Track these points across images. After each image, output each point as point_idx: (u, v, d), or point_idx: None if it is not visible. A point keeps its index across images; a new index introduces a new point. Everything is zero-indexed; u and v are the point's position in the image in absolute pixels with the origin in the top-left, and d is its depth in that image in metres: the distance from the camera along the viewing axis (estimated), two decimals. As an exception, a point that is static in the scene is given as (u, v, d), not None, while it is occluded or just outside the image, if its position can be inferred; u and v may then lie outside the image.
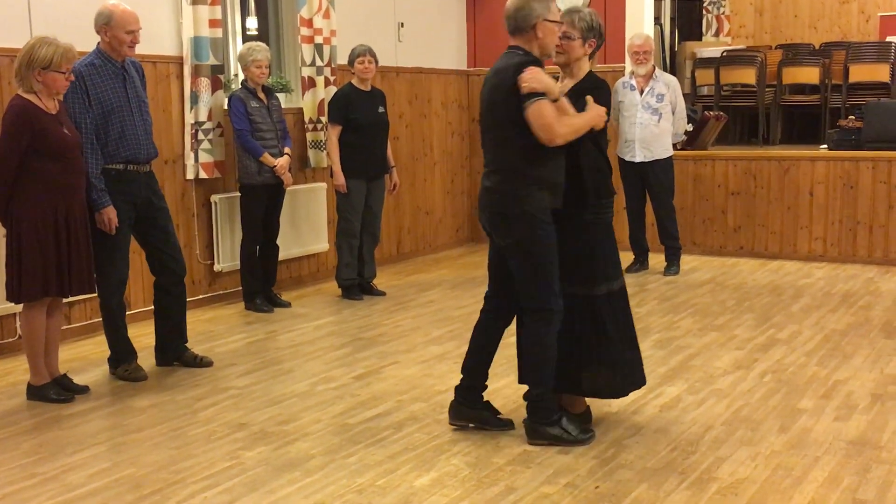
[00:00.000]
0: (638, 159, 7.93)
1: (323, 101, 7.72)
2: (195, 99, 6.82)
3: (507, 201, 4.10)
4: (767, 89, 10.50)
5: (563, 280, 4.16)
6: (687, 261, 8.44)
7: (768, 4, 13.26)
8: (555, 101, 3.99)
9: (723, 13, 12.76)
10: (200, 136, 6.86)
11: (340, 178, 7.10)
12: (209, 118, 6.89)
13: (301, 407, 4.83)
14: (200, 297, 7.11)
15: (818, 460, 4.01)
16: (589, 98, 4.10)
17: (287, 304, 7.11)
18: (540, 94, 3.96)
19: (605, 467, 3.97)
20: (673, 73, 10.91)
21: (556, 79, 4.22)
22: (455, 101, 9.73)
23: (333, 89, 7.59)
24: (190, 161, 6.89)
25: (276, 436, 4.41)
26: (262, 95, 6.80)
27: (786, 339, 5.96)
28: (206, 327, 6.50)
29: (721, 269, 8.29)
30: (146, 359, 5.54)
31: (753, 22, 13.35)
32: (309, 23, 7.70)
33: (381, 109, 7.27)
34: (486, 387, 4.43)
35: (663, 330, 6.23)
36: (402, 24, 8.95)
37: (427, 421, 4.57)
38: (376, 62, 7.21)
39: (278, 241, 7.09)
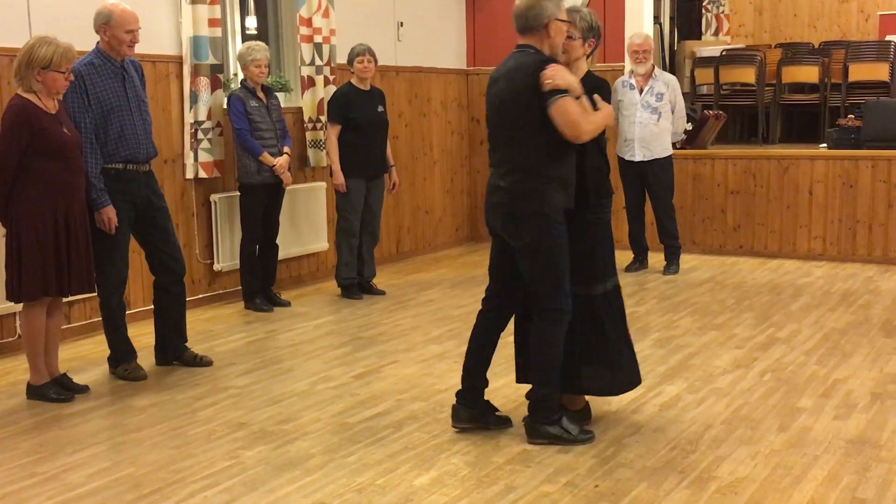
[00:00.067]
0: (637, 158, 7.93)
1: (322, 100, 7.72)
2: (194, 98, 6.82)
3: (525, 201, 4.08)
4: (767, 88, 10.50)
5: None
6: (686, 260, 8.45)
7: (768, 3, 13.25)
8: (577, 98, 3.99)
9: (722, 12, 12.76)
10: (200, 135, 6.86)
11: (340, 178, 7.10)
12: (208, 117, 6.89)
13: (301, 406, 4.83)
14: (200, 296, 7.11)
15: (818, 459, 4.02)
16: (597, 97, 4.11)
17: (287, 304, 7.11)
18: (563, 92, 3.95)
19: (605, 466, 3.97)
20: (672, 72, 10.91)
21: None
22: (455, 101, 9.73)
23: (333, 88, 7.60)
24: (189, 160, 6.89)
25: (275, 435, 4.41)
26: (261, 95, 6.80)
27: (785, 338, 5.96)
28: (205, 327, 6.50)
29: (720, 268, 8.29)
30: (146, 358, 5.54)
31: (753, 21, 13.35)
32: (308, 22, 7.70)
33: (380, 109, 7.27)
34: (487, 386, 4.43)
35: (663, 329, 6.24)
36: (402, 23, 8.95)
37: (427, 420, 4.57)
38: (376, 61, 7.21)
39: (278, 241, 7.09)
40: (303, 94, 7.78)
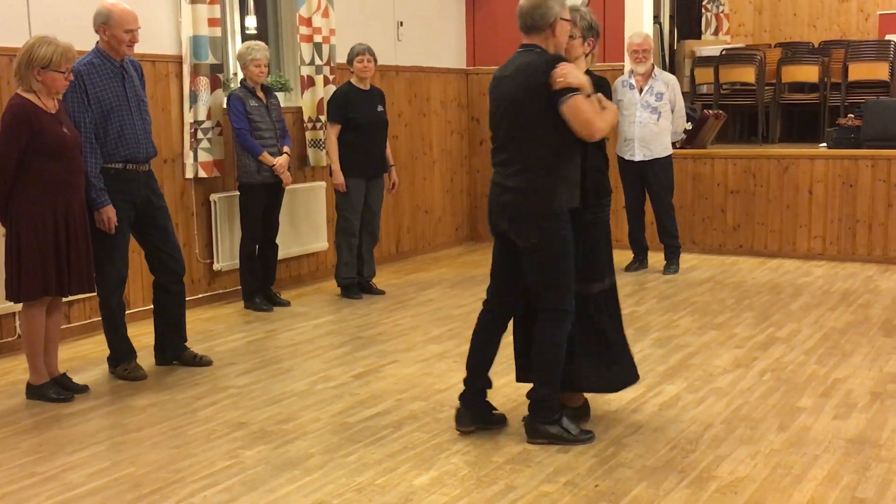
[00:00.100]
0: (637, 158, 7.93)
1: (322, 99, 7.72)
2: (194, 98, 6.82)
3: (535, 200, 4.06)
4: (767, 88, 10.49)
5: None
6: (686, 259, 8.44)
7: (767, 3, 13.25)
8: (588, 96, 3.99)
9: (722, 11, 12.76)
10: (199, 135, 6.86)
11: (339, 177, 7.10)
12: (208, 117, 6.89)
13: (300, 406, 4.83)
14: (200, 296, 7.11)
15: (817, 458, 4.02)
16: (600, 95, 4.11)
17: (286, 303, 7.11)
18: (575, 90, 3.95)
19: (605, 466, 3.97)
20: (672, 71, 10.90)
21: None
22: (454, 100, 9.73)
23: (332, 88, 7.60)
24: (189, 160, 6.89)
25: (275, 435, 4.41)
26: (261, 94, 6.80)
27: (785, 338, 5.96)
28: (205, 326, 6.50)
29: (720, 268, 8.29)
30: (145, 358, 5.54)
31: (752, 20, 13.35)
32: (308, 22, 7.70)
33: (380, 108, 7.27)
34: (490, 387, 4.41)
35: (662, 328, 6.24)
36: (402, 22, 8.94)
37: (426, 420, 4.57)
38: (375, 61, 7.21)
39: (277, 240, 7.09)
40: (302, 93, 7.78)
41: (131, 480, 3.93)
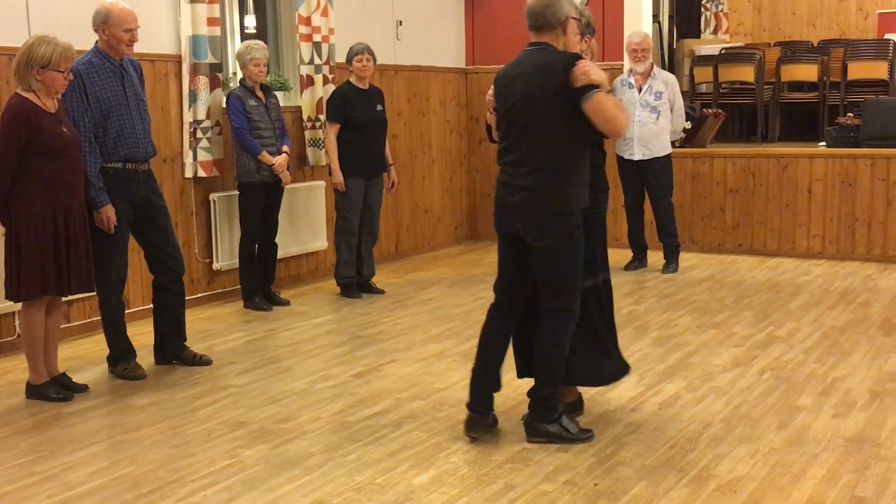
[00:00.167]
0: (636, 157, 7.93)
1: (321, 99, 7.72)
2: (193, 97, 6.82)
3: (553, 200, 4.04)
4: (766, 87, 10.50)
5: None
6: (685, 258, 8.44)
7: (767, 2, 13.26)
8: (607, 92, 4.00)
9: (721, 11, 12.76)
10: (199, 134, 6.86)
11: (339, 177, 7.10)
12: (207, 116, 6.89)
13: (300, 405, 4.83)
14: (199, 295, 7.11)
15: (817, 457, 4.02)
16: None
17: (286, 303, 7.11)
18: (597, 87, 3.94)
19: (604, 465, 3.97)
20: (671, 70, 10.91)
21: None
22: (454, 99, 9.73)
23: (332, 87, 7.60)
24: (188, 159, 6.89)
25: (275, 434, 4.41)
26: (260, 94, 6.80)
27: (784, 337, 5.96)
28: (204, 326, 6.50)
29: (720, 267, 8.29)
30: (145, 357, 5.54)
31: (752, 19, 13.35)
32: (307, 21, 7.70)
33: (379, 108, 7.27)
34: (499, 390, 4.36)
35: (662, 327, 6.24)
36: (401, 22, 8.94)
37: (426, 419, 4.57)
38: (374, 60, 7.21)
39: (277, 240, 7.09)
40: (302, 92, 7.78)
41: (131, 480, 3.93)
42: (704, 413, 4.59)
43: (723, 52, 10.94)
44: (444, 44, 9.60)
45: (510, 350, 4.44)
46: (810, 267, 8.22)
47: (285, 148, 6.91)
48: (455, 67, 9.76)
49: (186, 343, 5.64)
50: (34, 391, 4.99)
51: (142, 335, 5.79)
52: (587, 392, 4.81)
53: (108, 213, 5.07)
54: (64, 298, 5.27)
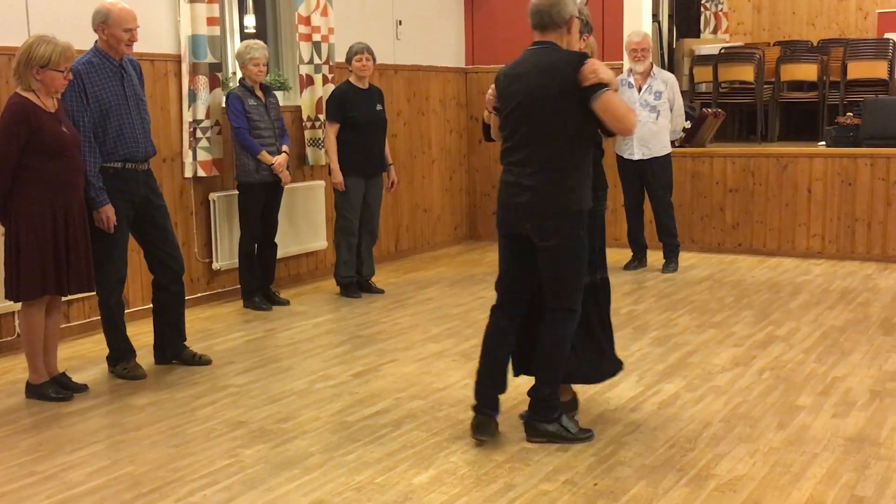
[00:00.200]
0: (636, 157, 7.93)
1: (321, 98, 7.72)
2: (193, 97, 6.82)
3: (561, 199, 4.04)
4: (765, 86, 10.49)
5: None
6: (685, 258, 8.45)
7: (766, 1, 13.25)
8: (615, 91, 4.02)
9: (721, 10, 12.76)
10: (198, 134, 6.86)
11: (338, 176, 7.10)
12: (207, 116, 6.89)
13: (300, 405, 4.83)
14: (199, 295, 7.11)
15: (816, 457, 4.02)
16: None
17: (285, 302, 7.10)
18: (605, 86, 3.95)
19: (604, 464, 3.97)
20: (671, 70, 10.89)
21: None
22: (453, 99, 9.73)
23: (331, 87, 7.59)
24: (188, 159, 6.89)
25: (274, 434, 4.41)
26: (259, 93, 6.80)
27: (784, 336, 5.96)
28: (204, 325, 6.50)
29: (719, 266, 8.29)
30: (145, 357, 5.54)
31: (751, 19, 13.35)
32: (307, 20, 7.70)
33: (378, 107, 7.27)
34: (505, 391, 4.33)
35: (661, 327, 6.24)
36: (401, 21, 8.94)
37: (425, 418, 4.57)
38: (374, 60, 7.21)
39: (276, 239, 7.08)
40: (301, 92, 7.78)
41: (130, 479, 3.93)
42: (704, 413, 4.59)
43: (722, 51, 10.93)
44: (443, 43, 9.60)
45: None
46: (810, 266, 8.22)
47: (285, 147, 6.91)
48: (455, 67, 9.76)
49: (186, 343, 5.64)
50: (34, 391, 4.99)
51: (141, 335, 5.79)
52: (587, 392, 4.82)
53: (108, 213, 5.07)
54: (63, 298, 5.27)
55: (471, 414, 4.40)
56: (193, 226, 7.05)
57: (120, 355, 5.37)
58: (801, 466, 3.92)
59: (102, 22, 5.08)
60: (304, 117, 7.78)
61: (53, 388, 4.98)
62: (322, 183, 7.94)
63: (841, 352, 5.59)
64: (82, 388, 5.09)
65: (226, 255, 7.20)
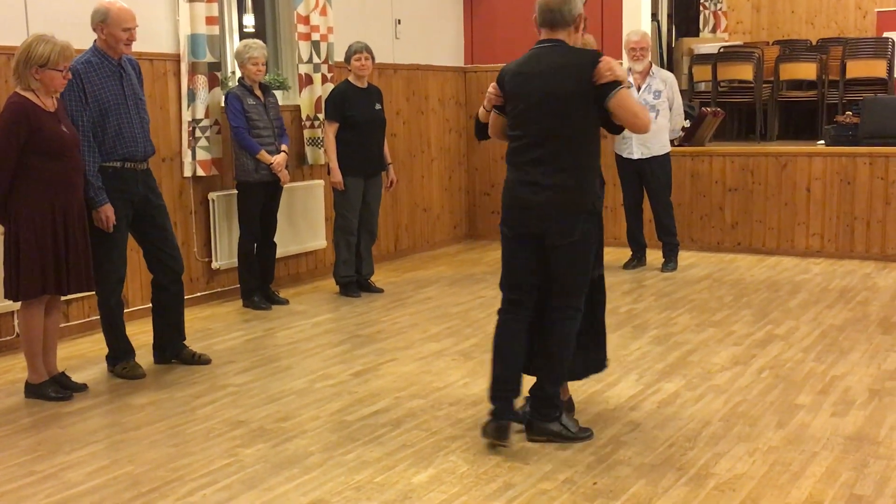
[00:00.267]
0: (635, 156, 7.93)
1: (320, 98, 7.72)
2: (192, 96, 6.82)
3: (580, 197, 4.03)
4: (765, 85, 10.50)
5: None
6: (684, 257, 8.45)
7: (765, 0, 13.27)
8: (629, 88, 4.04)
9: (720, 9, 12.78)
10: (198, 133, 6.86)
11: (338, 176, 7.10)
12: (206, 115, 6.89)
13: (299, 404, 4.83)
14: (198, 294, 7.11)
15: (816, 456, 4.02)
16: None
17: (285, 302, 7.10)
18: (620, 83, 3.97)
19: (603, 463, 3.97)
20: (670, 69, 10.92)
21: None
22: (452, 98, 9.73)
23: (330, 86, 7.59)
24: (187, 158, 6.89)
25: (274, 433, 4.41)
26: (258, 93, 6.80)
27: (783, 335, 5.96)
28: (203, 325, 6.50)
29: (718, 265, 8.30)
30: (144, 356, 5.54)
31: (750, 18, 13.36)
32: (306, 20, 7.69)
33: (377, 106, 7.27)
34: (519, 394, 4.28)
35: (661, 326, 6.24)
36: (400, 20, 8.94)
37: (425, 418, 4.58)
38: (373, 59, 7.20)
39: (276, 239, 7.08)
40: (300, 91, 7.78)
41: (130, 479, 3.93)
42: (703, 412, 4.59)
43: (721, 50, 10.94)
44: (442, 43, 9.60)
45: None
46: (809, 265, 8.22)
47: (284, 147, 6.91)
48: (454, 66, 9.76)
49: (185, 342, 5.64)
50: (33, 390, 4.98)
51: (141, 334, 5.79)
52: (586, 391, 4.82)
53: (107, 213, 5.07)
54: (63, 298, 5.27)
55: (470, 413, 4.42)
56: (193, 225, 7.05)
57: (119, 355, 5.37)
58: (800, 465, 3.92)
59: (101, 21, 5.08)
60: (304, 116, 7.78)
61: (53, 388, 4.98)
62: (321, 182, 7.94)
63: (840, 351, 5.59)
64: (82, 388, 5.09)
65: (225, 255, 7.20)
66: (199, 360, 5.56)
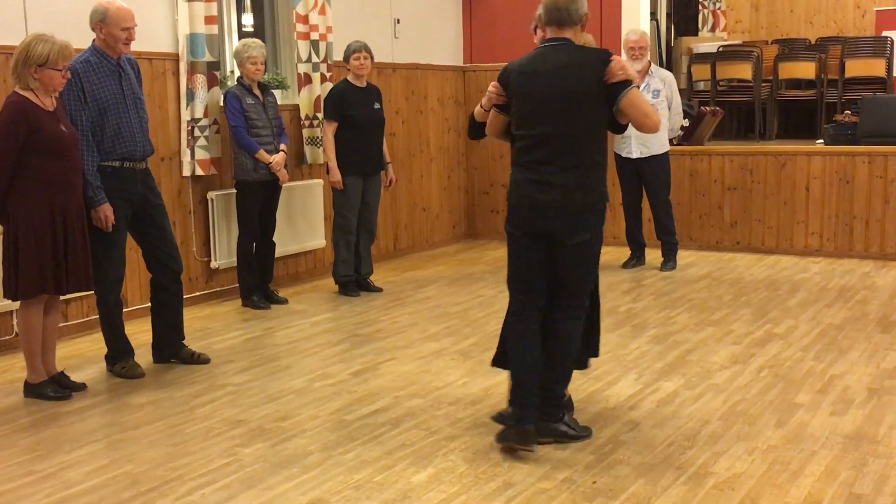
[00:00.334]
0: (634, 155, 7.93)
1: (319, 97, 7.71)
2: (191, 96, 6.82)
3: (590, 196, 4.03)
4: (763, 84, 10.50)
5: None
6: (683, 256, 8.45)
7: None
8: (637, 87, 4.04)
9: (719, 8, 12.77)
10: (196, 132, 6.85)
11: (337, 175, 7.10)
12: (205, 115, 6.89)
13: (298, 403, 4.83)
14: (197, 293, 7.11)
15: (815, 455, 4.02)
16: None
17: (284, 301, 7.10)
18: (630, 83, 3.97)
19: (603, 463, 3.97)
20: (669, 68, 10.91)
21: None
22: (451, 98, 9.73)
23: (329, 86, 7.59)
24: (186, 158, 6.88)
25: (273, 432, 4.41)
26: (257, 92, 6.80)
27: (782, 334, 5.97)
28: (203, 324, 6.50)
29: (718, 265, 8.30)
30: (143, 356, 5.53)
31: (749, 17, 13.37)
32: (305, 19, 7.69)
33: (376, 106, 7.27)
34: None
35: (660, 325, 6.24)
36: (398, 20, 8.94)
37: (424, 417, 4.57)
38: (372, 58, 7.20)
39: (275, 238, 7.08)
40: (299, 91, 7.78)
41: (129, 478, 3.93)
42: (702, 411, 4.59)
43: (720, 49, 10.94)
44: (442, 42, 9.60)
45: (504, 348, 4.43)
46: (808, 264, 8.22)
47: (283, 146, 6.91)
48: (453, 65, 9.75)
49: (185, 342, 5.64)
50: (32, 390, 4.98)
51: (140, 334, 5.79)
52: (586, 391, 4.82)
53: (106, 212, 5.07)
54: (62, 297, 5.26)
55: (469, 412, 4.42)
56: (192, 225, 7.05)
57: (118, 354, 5.37)
58: (799, 464, 3.92)
59: (100, 21, 5.08)
60: (303, 116, 7.78)
61: (52, 387, 4.98)
62: (320, 181, 7.94)
63: (839, 350, 5.59)
64: (81, 387, 5.09)
65: (224, 254, 7.20)
66: (199, 359, 5.56)
